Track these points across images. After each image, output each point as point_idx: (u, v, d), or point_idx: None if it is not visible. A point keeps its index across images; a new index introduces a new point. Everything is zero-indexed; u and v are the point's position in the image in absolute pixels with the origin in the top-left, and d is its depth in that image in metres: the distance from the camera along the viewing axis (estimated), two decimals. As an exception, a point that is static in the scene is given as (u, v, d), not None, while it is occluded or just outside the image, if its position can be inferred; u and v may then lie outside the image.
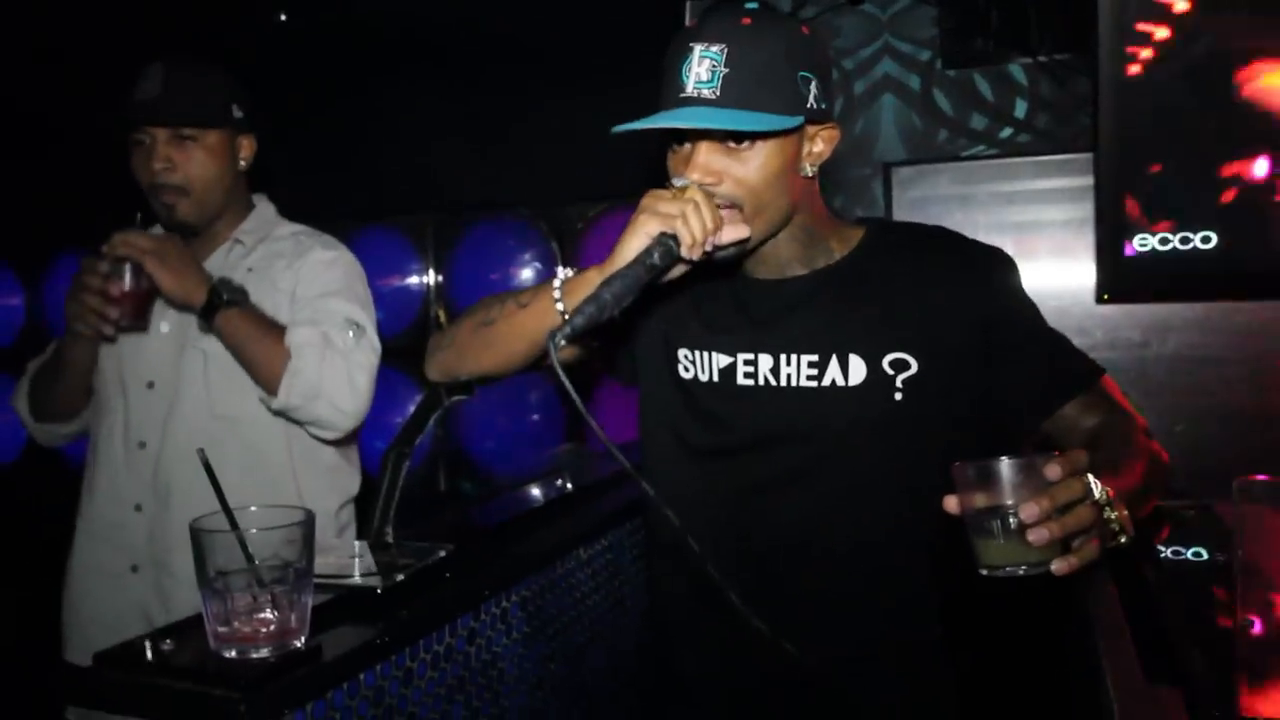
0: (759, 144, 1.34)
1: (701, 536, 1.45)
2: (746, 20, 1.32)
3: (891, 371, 1.41)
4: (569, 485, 2.25)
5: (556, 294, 1.40)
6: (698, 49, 1.30)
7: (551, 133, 3.50)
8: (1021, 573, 1.09)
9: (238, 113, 2.03)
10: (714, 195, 1.33)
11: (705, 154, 1.34)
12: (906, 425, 1.42)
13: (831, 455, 1.44)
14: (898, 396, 1.41)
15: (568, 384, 1.17)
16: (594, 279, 1.34)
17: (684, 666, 1.58)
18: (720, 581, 1.19)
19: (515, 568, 1.62)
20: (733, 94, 1.29)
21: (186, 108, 1.93)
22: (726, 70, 1.29)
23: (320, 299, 1.98)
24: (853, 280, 1.47)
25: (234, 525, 1.24)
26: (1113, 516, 1.15)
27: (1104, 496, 1.15)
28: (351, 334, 1.94)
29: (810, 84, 1.34)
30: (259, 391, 1.92)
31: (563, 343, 1.21)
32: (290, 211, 2.20)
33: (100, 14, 3.47)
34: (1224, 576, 1.41)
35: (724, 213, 1.33)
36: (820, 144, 1.41)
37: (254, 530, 1.20)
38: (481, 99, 3.61)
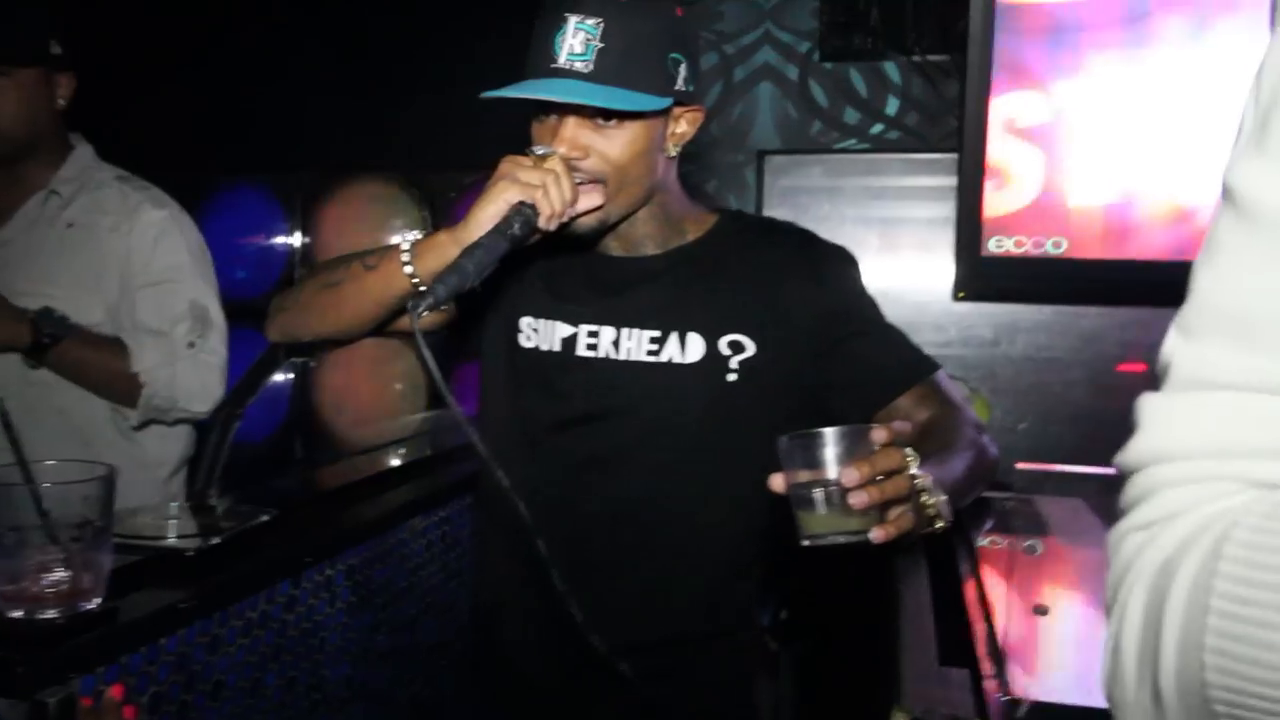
0: (627, 122, 1.34)
1: (533, 509, 1.46)
2: None
3: (728, 352, 1.42)
4: (427, 452, 2.22)
5: (405, 257, 1.37)
6: (573, 20, 1.28)
7: (427, 98, 3.43)
8: (841, 540, 1.08)
9: (56, 49, 1.89)
10: (578, 170, 1.33)
11: (573, 128, 1.32)
12: (738, 406, 1.43)
13: (663, 430, 1.45)
14: (731, 377, 1.42)
15: (428, 354, 1.15)
16: (444, 242, 1.32)
17: (508, 639, 1.57)
18: (560, 581, 1.20)
19: (340, 536, 1.58)
20: (605, 69, 1.28)
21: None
22: (601, 45, 1.28)
23: (162, 285, 1.90)
24: (701, 263, 1.48)
25: (29, 479, 1.18)
26: (930, 502, 1.16)
27: (924, 481, 1.16)
28: (199, 328, 1.88)
29: (680, 66, 1.34)
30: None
31: (425, 313, 1.19)
32: (156, 164, 2.10)
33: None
34: (1033, 566, 1.46)
35: (584, 187, 1.32)
36: (684, 125, 1.41)
37: (49, 484, 1.14)
38: (358, 59, 3.52)
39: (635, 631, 1.48)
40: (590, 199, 1.34)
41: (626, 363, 1.45)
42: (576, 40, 1.28)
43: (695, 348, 1.43)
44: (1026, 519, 1.65)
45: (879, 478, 1.07)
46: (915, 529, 1.13)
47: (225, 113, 3.65)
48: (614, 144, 1.34)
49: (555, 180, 1.28)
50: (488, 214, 1.28)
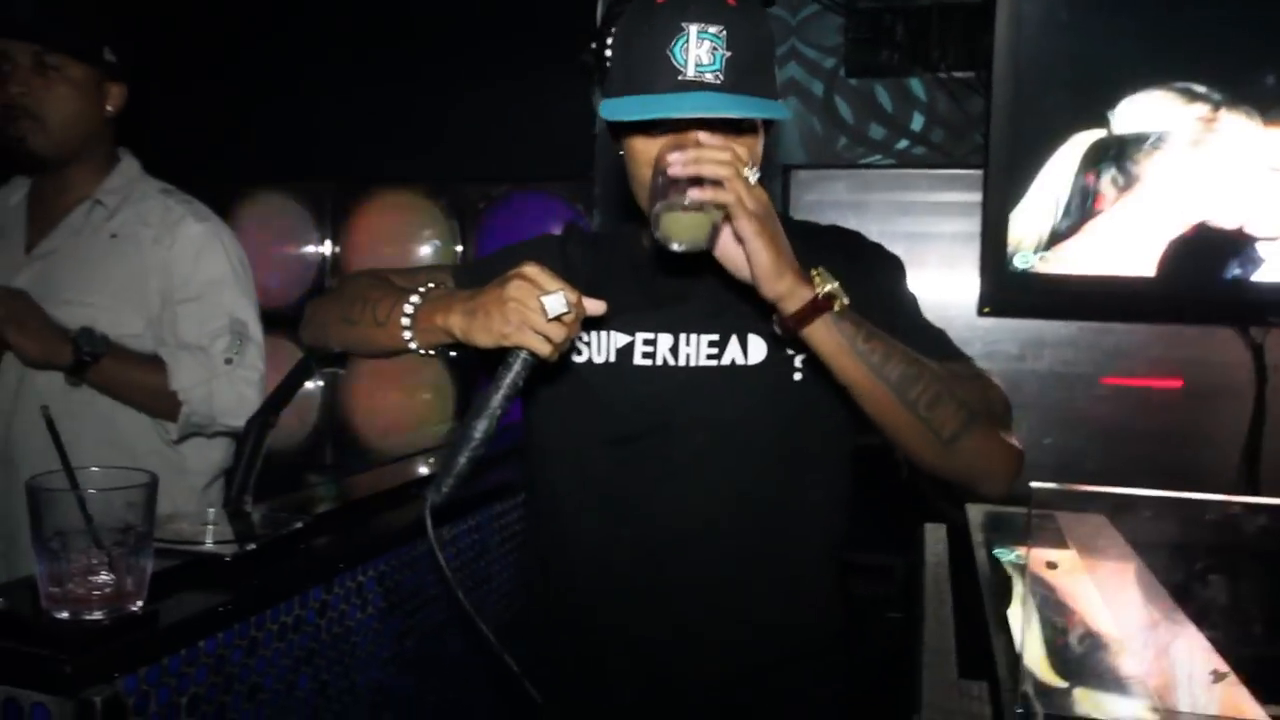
0: (746, 132, 1.30)
1: (602, 525, 1.45)
2: (732, 1, 1.26)
3: (791, 351, 1.37)
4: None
5: (407, 332, 1.35)
6: (694, 29, 1.22)
7: (458, 111, 3.49)
8: (682, 218, 1.18)
9: (110, 56, 1.95)
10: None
11: (705, 141, 1.25)
12: (807, 403, 1.38)
13: (734, 436, 1.40)
14: (797, 376, 1.38)
15: (441, 558, 1.26)
16: (440, 326, 1.29)
17: (582, 655, 1.53)
18: (496, 646, 1.25)
19: (373, 543, 1.62)
20: (735, 78, 1.22)
21: (57, 31, 1.86)
22: (729, 53, 1.22)
23: (202, 300, 1.95)
24: None
25: (74, 484, 1.21)
26: (819, 278, 1.22)
27: (818, 272, 1.22)
28: (237, 344, 1.92)
29: (776, 70, 1.32)
30: None
31: (437, 500, 1.28)
32: (186, 172, 2.15)
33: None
34: (1054, 580, 1.48)
35: (571, 320, 1.23)
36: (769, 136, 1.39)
37: (94, 491, 1.18)
38: (389, 70, 3.58)
39: (724, 659, 1.44)
40: (594, 305, 1.28)
41: (687, 368, 1.40)
42: (702, 50, 1.22)
43: (757, 349, 1.39)
44: (1048, 534, 1.66)
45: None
46: (791, 287, 1.20)
47: (257, 123, 3.72)
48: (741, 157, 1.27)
49: (567, 338, 1.23)
50: (487, 338, 1.24)
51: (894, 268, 1.51)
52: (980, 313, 2.97)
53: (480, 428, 1.24)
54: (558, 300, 1.20)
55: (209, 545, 1.43)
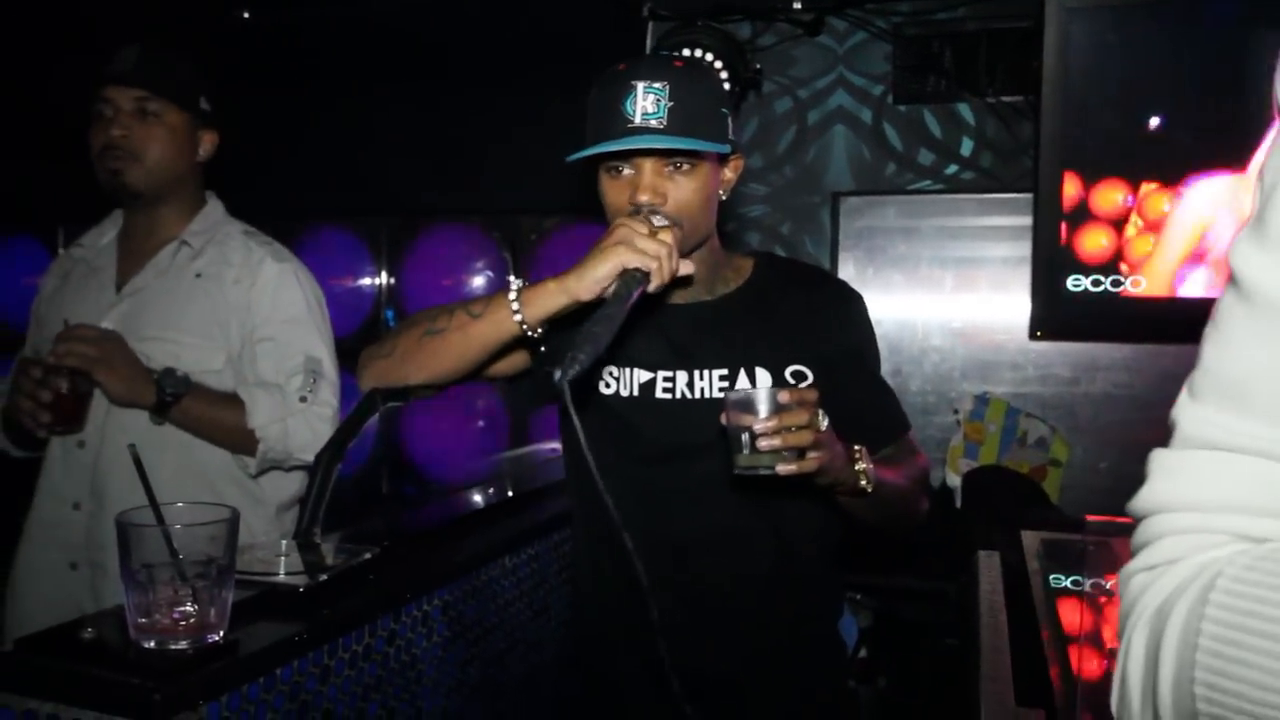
0: (696, 167, 1.49)
1: (617, 544, 1.54)
2: (679, 64, 1.48)
3: (793, 381, 1.57)
4: (509, 492, 2.30)
5: (514, 305, 1.48)
6: (641, 85, 1.44)
7: (510, 144, 3.55)
8: (761, 473, 1.32)
9: (205, 105, 2.06)
10: (658, 214, 1.46)
11: (650, 176, 1.47)
12: None
13: None
14: None
15: (576, 421, 1.26)
16: (552, 290, 1.46)
17: (613, 672, 1.66)
18: (664, 650, 1.29)
19: (438, 573, 1.66)
20: (677, 123, 1.43)
21: (157, 79, 1.97)
22: (671, 103, 1.43)
23: (279, 339, 2.02)
24: (752, 305, 1.63)
25: (160, 520, 1.27)
26: (860, 468, 1.42)
27: (860, 455, 1.43)
28: (312, 382, 1.99)
29: (728, 119, 1.51)
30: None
31: (572, 374, 1.29)
32: (247, 208, 2.23)
33: (58, 6, 3.46)
34: (1109, 607, 1.48)
35: (666, 235, 1.43)
36: (730, 172, 1.59)
37: (179, 526, 1.24)
38: (441, 107, 3.66)
39: (737, 643, 1.60)
40: (686, 265, 1.46)
41: (702, 400, 1.58)
42: (648, 102, 1.44)
43: (764, 381, 1.57)
44: (1103, 561, 1.67)
45: (793, 428, 1.29)
46: (844, 480, 1.40)
47: (313, 158, 3.82)
48: (685, 189, 1.49)
49: (669, 254, 1.40)
50: (601, 272, 1.40)
51: (864, 319, 1.68)
52: (1032, 337, 2.97)
53: (603, 325, 1.32)
54: (658, 219, 1.43)
55: (282, 576, 1.49)
